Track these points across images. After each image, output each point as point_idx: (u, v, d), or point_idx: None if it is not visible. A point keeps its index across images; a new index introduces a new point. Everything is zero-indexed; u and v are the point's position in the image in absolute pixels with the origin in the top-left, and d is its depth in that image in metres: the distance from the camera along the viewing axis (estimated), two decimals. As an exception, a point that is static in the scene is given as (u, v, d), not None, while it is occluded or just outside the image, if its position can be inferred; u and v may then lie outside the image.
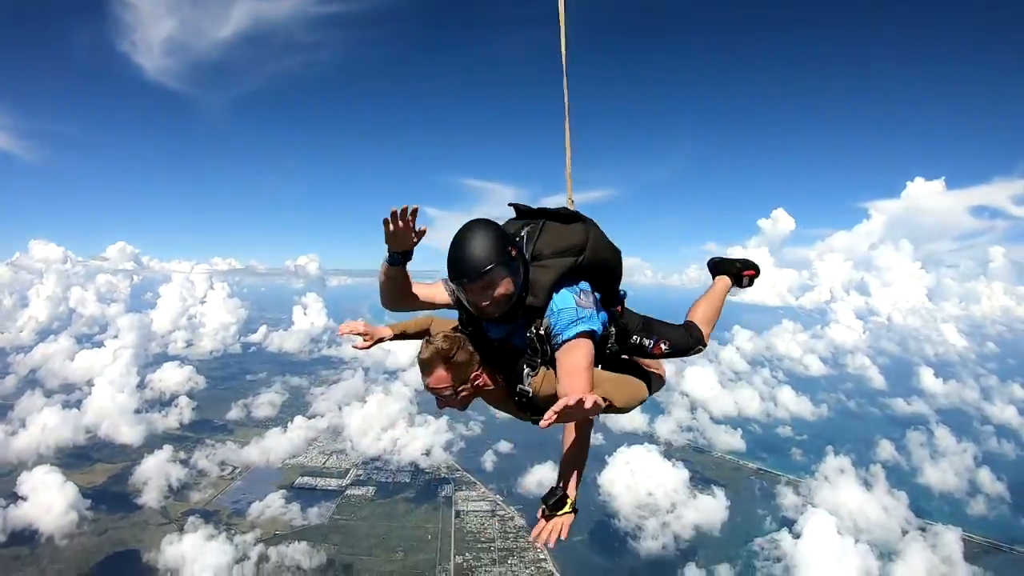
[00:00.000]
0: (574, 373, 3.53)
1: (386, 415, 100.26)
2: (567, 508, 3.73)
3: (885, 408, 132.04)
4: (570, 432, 4.04)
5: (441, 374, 3.66)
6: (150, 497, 76.48)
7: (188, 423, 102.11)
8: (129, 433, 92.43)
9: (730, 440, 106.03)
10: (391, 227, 3.32)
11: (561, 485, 3.83)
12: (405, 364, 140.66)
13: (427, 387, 3.72)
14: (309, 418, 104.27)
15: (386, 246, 3.47)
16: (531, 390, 3.78)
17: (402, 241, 3.43)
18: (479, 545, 71.39)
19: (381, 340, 4.41)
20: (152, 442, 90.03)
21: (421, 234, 3.44)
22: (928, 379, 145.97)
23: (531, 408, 3.89)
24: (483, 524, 76.11)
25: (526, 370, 3.79)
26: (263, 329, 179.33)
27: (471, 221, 3.56)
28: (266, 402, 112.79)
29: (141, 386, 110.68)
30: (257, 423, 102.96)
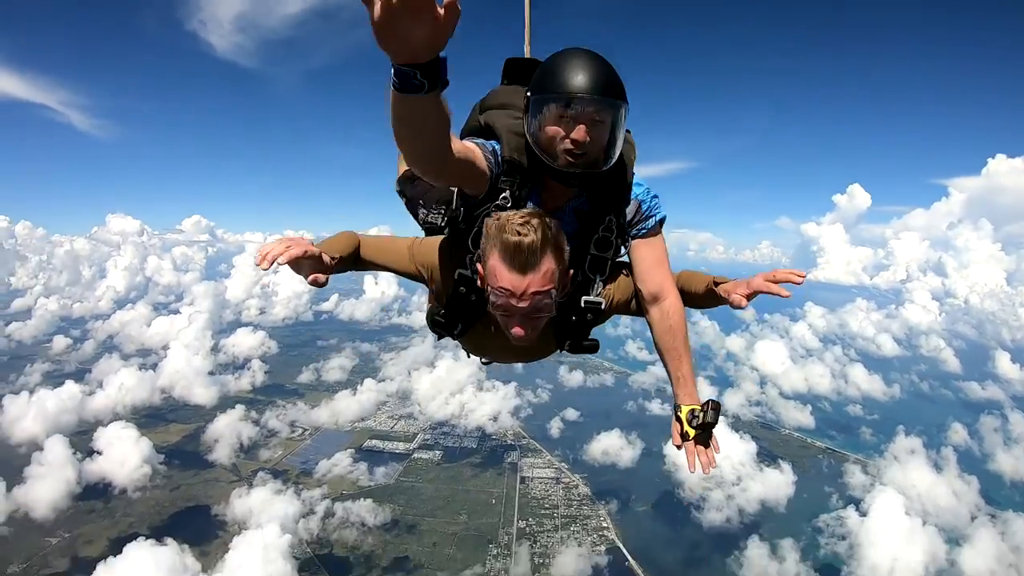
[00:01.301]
0: (666, 262, 3.25)
1: (455, 380, 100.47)
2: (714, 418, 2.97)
3: (959, 392, 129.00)
4: (677, 335, 3.18)
5: (550, 266, 2.61)
6: (221, 454, 78.21)
7: (260, 386, 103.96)
8: (203, 394, 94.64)
9: (799, 416, 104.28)
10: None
11: (685, 396, 3.11)
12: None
13: (526, 293, 2.60)
14: (379, 382, 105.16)
15: (394, 62, 1.89)
16: (604, 302, 3.20)
17: (419, 33, 1.78)
18: (542, 511, 71.16)
19: (321, 272, 2.67)
20: (225, 403, 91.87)
21: (453, 16, 1.76)
22: (1004, 364, 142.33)
23: (580, 328, 3.26)
24: (547, 491, 75.87)
25: (596, 277, 3.16)
26: (335, 298, 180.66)
27: (582, 49, 2.81)
28: (336, 366, 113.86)
29: (215, 350, 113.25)
30: (327, 387, 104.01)
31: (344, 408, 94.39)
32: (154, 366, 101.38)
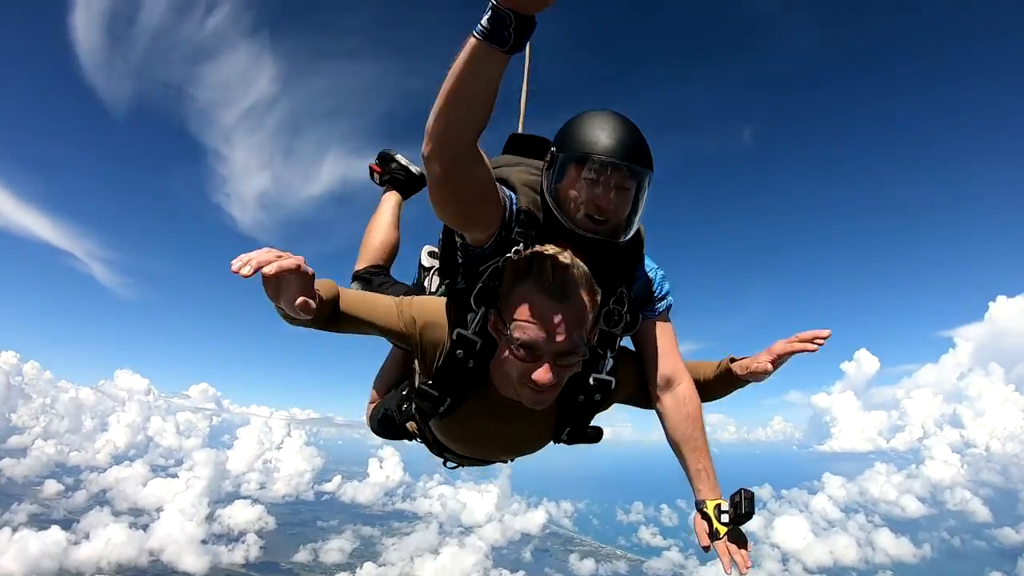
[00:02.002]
0: (677, 347, 3.09)
1: (460, 569, 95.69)
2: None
3: (992, 540, 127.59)
4: (695, 423, 2.96)
5: (585, 302, 2.32)
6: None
7: (254, 561, 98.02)
8: (193, 562, 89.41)
9: None
10: None
11: (707, 491, 2.87)
12: (481, 520, 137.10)
13: (562, 327, 2.24)
14: (380, 566, 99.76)
15: (496, 2, 1.80)
16: (615, 381, 2.81)
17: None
18: None
19: (311, 298, 2.07)
20: (215, 575, 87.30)
21: None
22: None
23: (584, 412, 2.90)
24: None
25: (606, 353, 2.78)
26: (337, 479, 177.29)
27: (614, 112, 2.69)
28: (336, 548, 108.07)
29: (210, 519, 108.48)
30: (325, 568, 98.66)
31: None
32: (145, 527, 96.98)
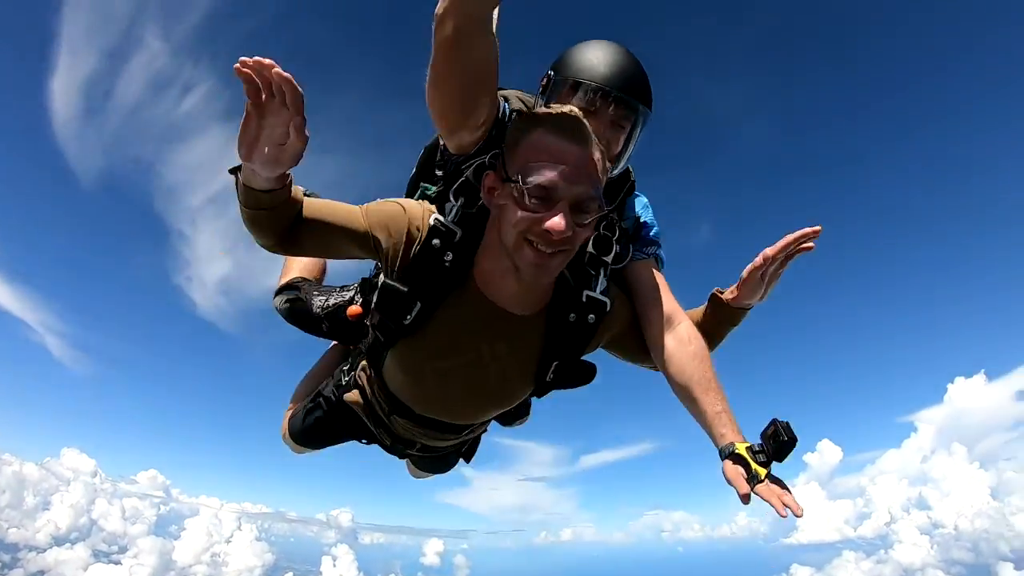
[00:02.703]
0: (670, 292, 2.74)
1: None
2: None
3: None
4: (704, 361, 2.53)
5: (599, 154, 2.13)
6: None
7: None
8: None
9: None
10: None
11: (732, 433, 2.33)
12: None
13: (582, 168, 2.04)
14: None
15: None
16: (610, 302, 2.52)
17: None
18: None
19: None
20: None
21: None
22: (1009, 574, 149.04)
23: (575, 342, 2.54)
24: None
25: (600, 272, 2.54)
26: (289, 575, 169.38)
27: (620, 45, 2.53)
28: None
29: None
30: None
31: None
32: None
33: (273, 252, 2.32)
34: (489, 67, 2.05)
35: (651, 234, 2.83)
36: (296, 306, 3.26)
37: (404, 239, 2.27)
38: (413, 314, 2.32)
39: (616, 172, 2.55)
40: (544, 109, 2.24)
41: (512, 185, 2.02)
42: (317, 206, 2.27)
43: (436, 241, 2.24)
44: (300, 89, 1.76)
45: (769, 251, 2.44)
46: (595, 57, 2.42)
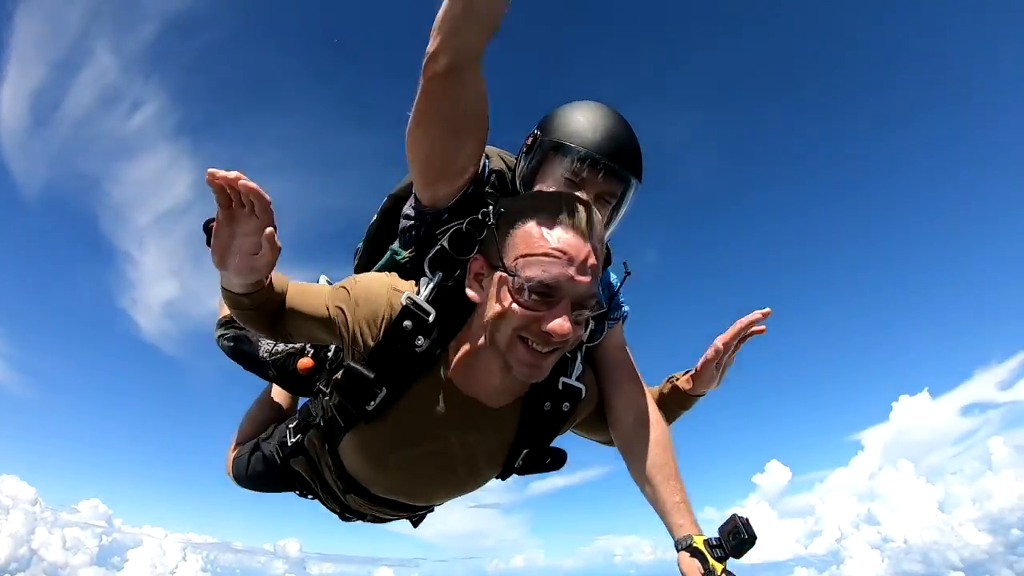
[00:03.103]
0: (634, 362, 2.60)
1: None
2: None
3: None
4: (667, 448, 2.36)
5: (600, 257, 1.90)
6: None
7: None
8: None
9: None
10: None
11: (690, 525, 2.17)
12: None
13: (586, 263, 1.81)
14: None
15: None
16: (585, 389, 2.32)
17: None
18: None
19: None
20: None
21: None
22: None
23: (548, 426, 2.34)
24: None
25: (577, 356, 2.33)
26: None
27: (612, 109, 2.31)
28: None
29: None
30: None
31: None
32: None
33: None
34: (480, 107, 1.90)
35: (620, 298, 2.61)
36: (240, 347, 3.09)
37: (369, 322, 2.05)
38: (377, 401, 2.10)
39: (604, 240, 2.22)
40: (546, 191, 2.10)
41: (508, 277, 1.80)
42: (295, 296, 2.14)
43: (408, 323, 2.01)
44: (268, 199, 1.71)
45: (721, 342, 2.40)
46: (585, 120, 2.20)
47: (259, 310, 2.04)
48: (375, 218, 2.61)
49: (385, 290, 2.06)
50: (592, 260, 1.81)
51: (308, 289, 2.20)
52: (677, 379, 2.62)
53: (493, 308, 1.86)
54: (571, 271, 1.76)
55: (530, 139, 2.28)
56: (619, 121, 2.25)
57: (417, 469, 2.31)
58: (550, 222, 1.81)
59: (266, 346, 3.02)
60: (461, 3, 1.65)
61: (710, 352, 2.42)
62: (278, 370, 3.01)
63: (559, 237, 1.78)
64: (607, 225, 2.25)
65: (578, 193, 2.01)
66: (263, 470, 3.05)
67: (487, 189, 2.20)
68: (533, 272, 1.75)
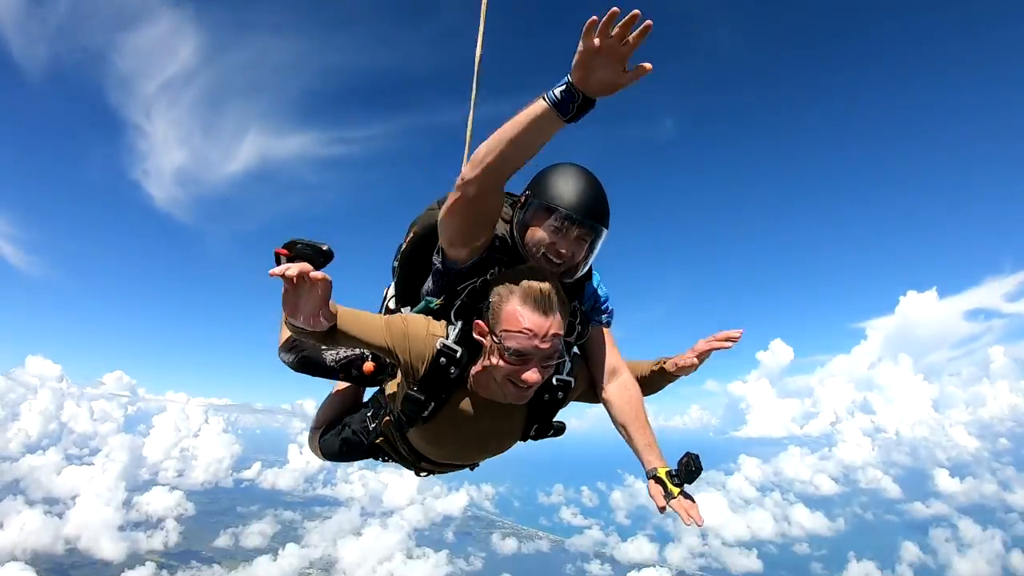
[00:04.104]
0: (617, 348, 3.58)
1: (383, 547, 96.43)
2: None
3: (904, 514, 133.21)
4: (639, 404, 3.45)
5: (562, 314, 2.81)
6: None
7: (173, 546, 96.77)
8: (110, 549, 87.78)
9: (745, 562, 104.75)
10: (607, 36, 2.21)
11: (656, 460, 3.24)
12: (403, 503, 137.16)
13: (548, 334, 2.73)
14: (302, 547, 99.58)
15: (572, 81, 2.36)
16: (574, 380, 3.29)
17: (609, 70, 2.31)
18: None
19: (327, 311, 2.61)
20: (133, 561, 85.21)
21: (640, 73, 2.33)
22: (944, 480, 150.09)
23: (549, 409, 3.36)
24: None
25: (566, 358, 3.17)
26: (257, 465, 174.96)
27: (586, 171, 3.10)
28: (256, 532, 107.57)
29: (127, 505, 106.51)
30: (245, 554, 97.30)
31: (264, 574, 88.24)
32: (60, 515, 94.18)
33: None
34: (497, 210, 3.03)
35: (603, 303, 3.62)
36: (307, 362, 3.90)
37: (418, 357, 2.98)
38: (428, 411, 3.10)
39: (577, 277, 3.19)
40: (522, 283, 2.76)
41: (495, 343, 2.75)
42: (349, 321, 2.81)
43: (443, 360, 2.94)
44: (329, 279, 2.39)
45: (695, 355, 3.53)
46: (567, 185, 2.97)
47: (315, 335, 2.73)
48: (406, 246, 3.57)
49: (426, 335, 2.98)
50: (554, 330, 2.72)
51: (361, 318, 2.91)
52: (664, 362, 3.64)
53: (489, 359, 2.80)
54: (536, 342, 2.68)
55: (523, 198, 3.09)
56: (591, 183, 3.02)
57: (463, 446, 3.48)
58: (523, 305, 2.70)
59: (331, 355, 3.82)
60: (501, 157, 2.60)
61: (687, 362, 3.52)
62: (344, 372, 3.84)
63: (529, 318, 2.68)
64: (585, 259, 3.10)
65: (543, 283, 2.75)
66: (350, 449, 4.07)
67: (495, 255, 3.12)
68: (511, 343, 2.68)
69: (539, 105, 2.42)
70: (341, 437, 4.14)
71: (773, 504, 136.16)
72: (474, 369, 2.98)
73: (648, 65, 2.27)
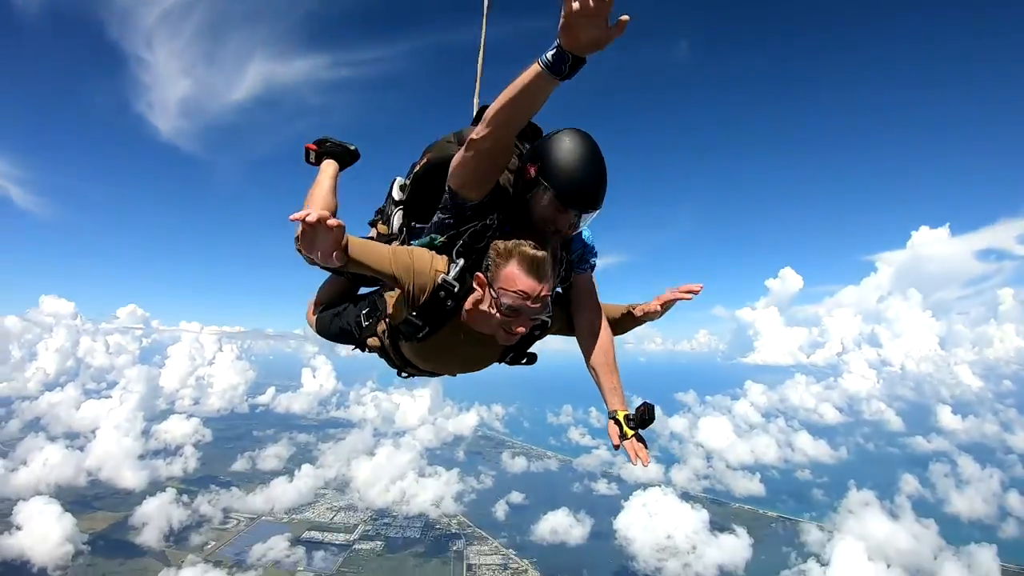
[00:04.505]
0: (597, 294, 4.04)
1: (395, 466, 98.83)
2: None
3: (905, 447, 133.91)
4: (609, 351, 3.92)
5: (551, 282, 3.27)
6: (150, 538, 74.23)
7: (192, 472, 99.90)
8: (132, 478, 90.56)
9: (748, 485, 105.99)
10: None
11: (618, 403, 3.73)
12: (415, 423, 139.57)
13: (539, 296, 3.21)
14: (317, 468, 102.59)
15: (561, 44, 2.58)
16: (551, 321, 3.68)
17: (592, 34, 2.52)
18: (491, 598, 67.79)
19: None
20: (155, 488, 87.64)
21: (618, 31, 2.52)
22: (946, 417, 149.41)
23: (527, 342, 3.82)
24: (495, 577, 73.50)
25: (549, 310, 3.57)
26: (271, 391, 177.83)
27: (594, 142, 3.33)
28: (272, 455, 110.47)
29: (146, 435, 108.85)
30: (262, 476, 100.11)
31: (280, 494, 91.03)
32: (82, 448, 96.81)
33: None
34: (505, 166, 3.37)
35: (589, 253, 3.93)
36: (341, 337, 4.47)
37: (420, 288, 3.31)
38: (422, 334, 3.47)
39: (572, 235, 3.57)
40: (522, 248, 3.12)
41: (492, 296, 3.17)
42: (358, 250, 3.04)
43: (442, 293, 3.29)
44: (343, 225, 2.65)
45: (659, 303, 4.03)
46: (571, 172, 3.18)
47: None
48: (419, 169, 3.86)
49: (430, 269, 3.31)
50: (544, 293, 3.15)
51: (369, 246, 3.16)
52: (634, 308, 4.17)
53: (485, 306, 3.22)
54: (528, 303, 3.12)
55: (533, 171, 3.26)
56: (596, 167, 3.25)
57: (448, 363, 3.95)
58: (519, 268, 3.10)
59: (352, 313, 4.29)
60: (507, 117, 2.94)
61: (651, 309, 4.04)
62: (350, 273, 3.79)
63: (524, 282, 3.09)
64: (578, 226, 3.40)
65: (539, 251, 3.11)
66: (340, 335, 4.43)
67: (496, 198, 3.41)
68: (506, 300, 3.11)
69: (534, 69, 2.69)
70: (336, 323, 4.50)
71: (777, 430, 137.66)
72: (467, 304, 3.34)
73: (626, 17, 2.46)
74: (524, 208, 3.40)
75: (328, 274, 4.73)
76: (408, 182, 4.00)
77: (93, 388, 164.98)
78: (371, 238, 4.20)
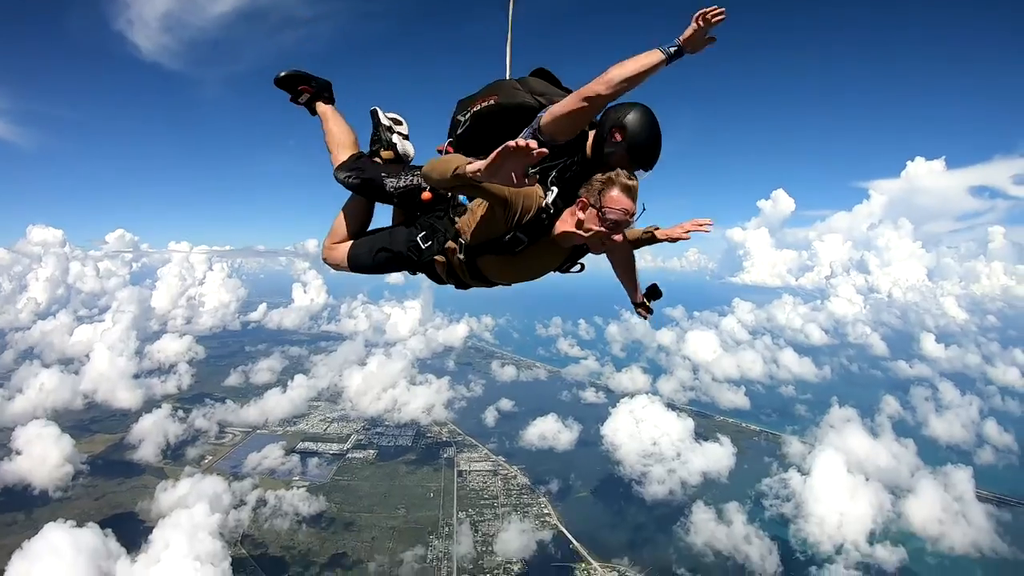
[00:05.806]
0: None
1: (387, 374, 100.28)
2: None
3: (888, 371, 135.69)
4: (630, 266, 4.96)
5: (637, 209, 3.95)
6: (147, 453, 76.12)
7: (187, 389, 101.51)
8: (127, 398, 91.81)
9: (733, 398, 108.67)
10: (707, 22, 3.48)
11: (636, 294, 5.10)
12: (405, 334, 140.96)
13: (633, 214, 3.91)
14: (309, 378, 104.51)
15: (681, 45, 3.53)
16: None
17: (706, 41, 3.58)
18: (482, 502, 71.08)
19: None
20: (150, 406, 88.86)
21: (712, 41, 3.59)
22: (930, 344, 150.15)
23: (578, 253, 4.46)
24: (486, 483, 76.05)
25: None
26: (262, 308, 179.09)
27: (657, 120, 3.97)
28: (265, 368, 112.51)
29: (140, 354, 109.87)
30: (256, 390, 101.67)
31: (274, 406, 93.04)
32: (76, 372, 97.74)
33: None
34: (591, 118, 3.97)
35: None
36: (367, 183, 4.66)
37: (526, 210, 3.97)
38: (521, 247, 4.11)
39: None
40: (622, 177, 3.85)
41: (599, 213, 3.85)
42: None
43: (544, 216, 4.00)
44: (546, 152, 3.03)
45: (689, 226, 4.68)
46: (643, 138, 3.90)
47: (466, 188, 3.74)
48: (482, 109, 4.39)
49: (535, 194, 3.98)
50: (635, 212, 3.87)
51: None
52: (656, 230, 4.92)
53: (590, 223, 3.89)
54: (628, 218, 3.85)
55: (617, 135, 3.91)
56: (659, 138, 3.98)
57: (523, 274, 4.48)
58: (622, 193, 3.80)
59: (391, 182, 4.57)
60: (621, 87, 3.64)
61: (677, 235, 4.75)
62: (400, 199, 4.57)
63: (625, 203, 3.81)
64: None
65: (633, 180, 3.84)
66: (388, 262, 4.71)
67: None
68: (612, 216, 3.80)
69: (656, 56, 3.52)
70: (381, 253, 4.72)
71: (763, 347, 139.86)
72: (563, 221, 4.06)
73: (713, 38, 3.50)
74: (597, 158, 4.02)
75: (341, 208, 5.06)
76: (464, 117, 4.50)
77: (85, 314, 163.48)
78: (378, 163, 4.87)
